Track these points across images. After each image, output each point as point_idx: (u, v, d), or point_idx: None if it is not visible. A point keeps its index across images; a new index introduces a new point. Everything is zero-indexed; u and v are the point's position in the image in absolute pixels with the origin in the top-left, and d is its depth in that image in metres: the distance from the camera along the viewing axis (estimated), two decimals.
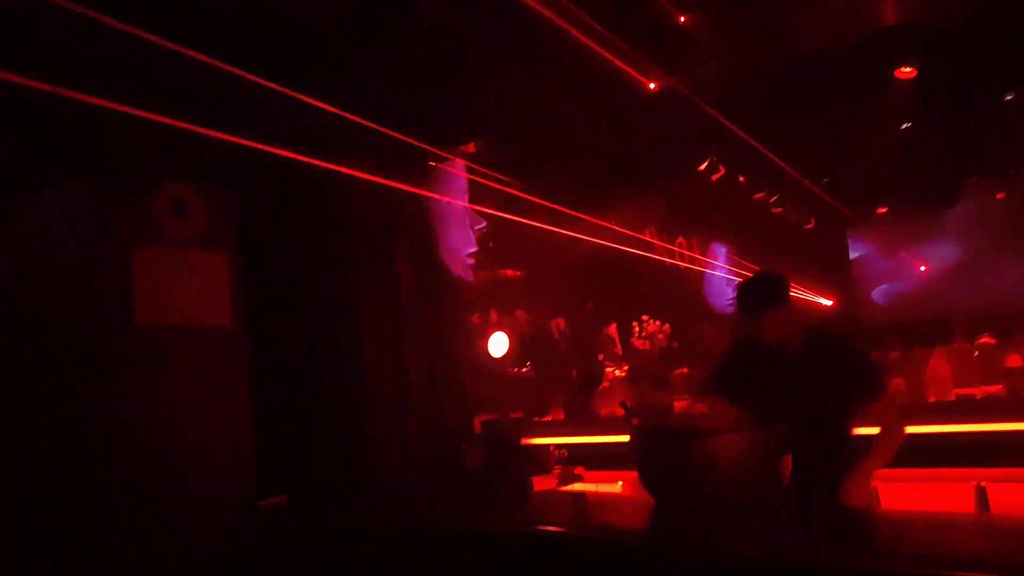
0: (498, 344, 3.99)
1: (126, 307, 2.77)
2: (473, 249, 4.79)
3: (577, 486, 3.46)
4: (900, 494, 3.10)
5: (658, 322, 6.72)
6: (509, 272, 6.07)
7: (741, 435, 2.34)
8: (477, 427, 4.03)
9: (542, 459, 3.43)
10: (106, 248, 2.78)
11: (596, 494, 3.19)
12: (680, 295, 7.93)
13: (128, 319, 2.77)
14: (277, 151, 3.54)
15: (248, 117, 3.44)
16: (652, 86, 3.41)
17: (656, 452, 2.45)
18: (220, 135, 3.36)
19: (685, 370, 4.35)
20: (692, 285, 8.38)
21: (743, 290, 2.78)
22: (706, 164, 6.02)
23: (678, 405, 3.73)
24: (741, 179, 6.56)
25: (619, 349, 6.43)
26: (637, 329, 6.65)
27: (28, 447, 3.03)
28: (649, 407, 3.74)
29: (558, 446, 3.64)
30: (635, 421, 2.60)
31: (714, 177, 6.15)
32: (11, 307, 3.05)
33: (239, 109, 3.36)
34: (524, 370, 4.06)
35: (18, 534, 3.01)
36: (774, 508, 2.28)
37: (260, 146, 3.48)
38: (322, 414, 4.05)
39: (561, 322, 6.98)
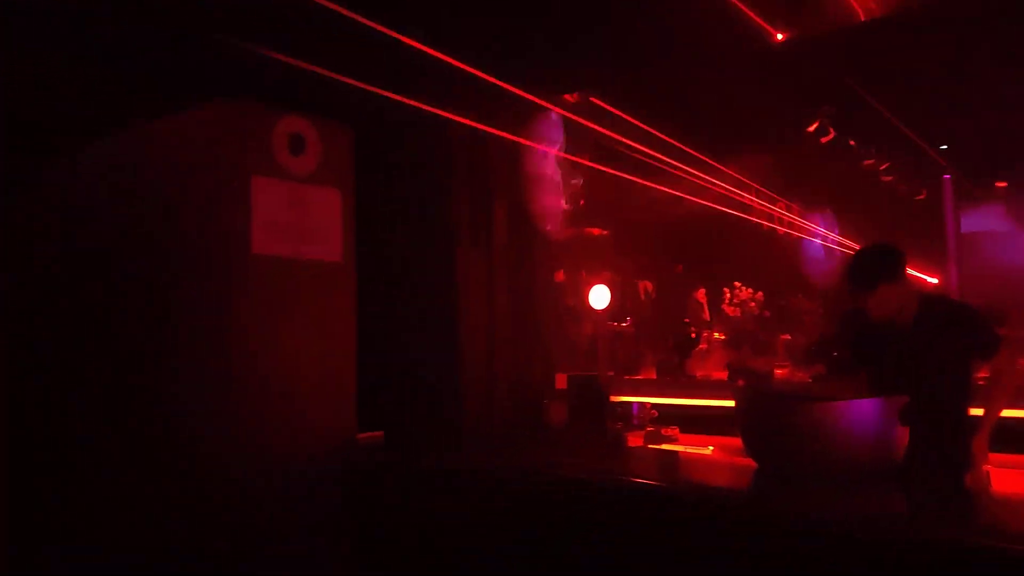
0: (599, 297, 3.96)
1: (245, 237, 2.85)
2: (565, 205, 4.76)
3: (666, 446, 3.43)
4: (1013, 480, 2.98)
5: (750, 289, 6.56)
6: (596, 231, 6.02)
7: (857, 402, 2.27)
8: (560, 383, 4.04)
9: (632, 416, 3.41)
10: (228, 177, 2.85)
11: (688, 454, 3.16)
12: (775, 262, 7.72)
13: (246, 249, 2.86)
14: (387, 93, 3.57)
15: (363, 59, 3.48)
16: (779, 36, 3.25)
17: (764, 414, 2.41)
18: (337, 76, 3.42)
19: (788, 336, 4.24)
20: (788, 253, 8.13)
21: (855, 262, 2.69)
22: (816, 125, 5.78)
23: (778, 372, 3.65)
24: (851, 143, 6.27)
25: (707, 315, 6.33)
26: (728, 295, 6.51)
27: (137, 372, 3.18)
28: (750, 371, 3.67)
29: (650, 405, 3.62)
30: (740, 383, 2.56)
31: (823, 139, 5.90)
32: (136, 230, 3.19)
33: (355, 51, 3.40)
34: (624, 324, 4.03)
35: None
36: (887, 478, 2.22)
37: (373, 88, 3.53)
38: (416, 356, 4.13)
39: (648, 284, 6.90)
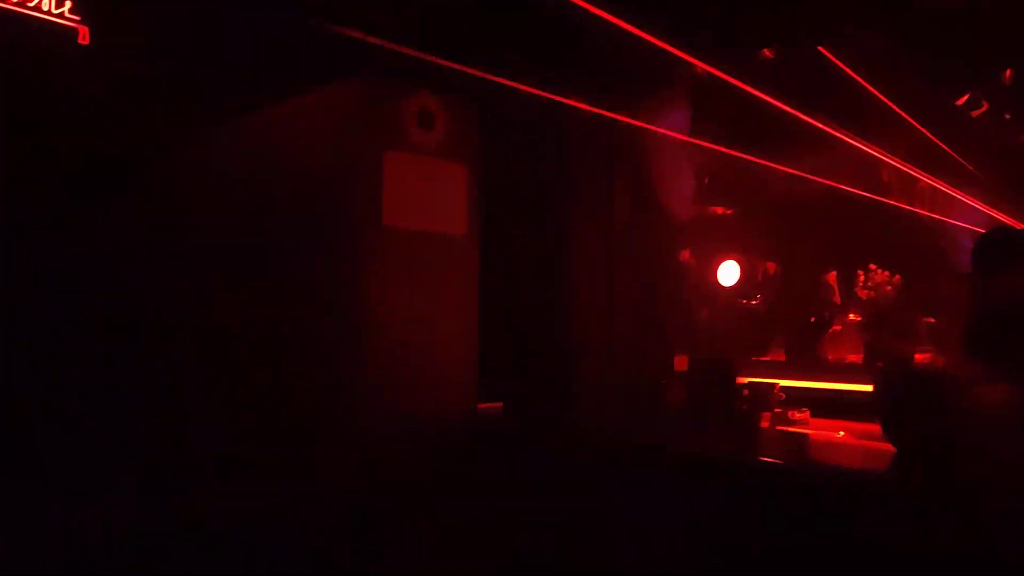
0: (728, 273, 3.86)
1: (376, 209, 2.95)
2: (690, 183, 4.64)
3: (796, 429, 3.31)
4: None
5: (887, 272, 6.20)
6: (720, 210, 5.83)
7: (1010, 388, 2.11)
8: (681, 365, 3.96)
9: (761, 398, 3.31)
10: (363, 152, 2.96)
11: (820, 437, 3.04)
12: (914, 245, 7.25)
13: (377, 220, 2.95)
14: (510, 82, 3.59)
15: (489, 37, 3.51)
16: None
17: (907, 398, 2.28)
18: (464, 55, 3.46)
19: (932, 320, 3.99)
20: (932, 235, 7.62)
21: (982, 244, 2.51)
22: (967, 98, 5.36)
23: (919, 357, 3.44)
24: (1007, 116, 5.79)
25: (837, 298, 6.03)
26: (862, 278, 6.18)
27: (278, 332, 3.35)
28: (889, 355, 3.49)
29: (778, 387, 3.49)
30: (880, 365, 2.43)
31: (975, 113, 5.47)
32: (276, 202, 3.35)
33: (481, 31, 3.44)
34: (754, 303, 3.91)
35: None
36: None
37: (496, 78, 3.55)
38: (534, 330, 4.15)
39: (772, 265, 6.64)
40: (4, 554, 2.82)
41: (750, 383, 3.34)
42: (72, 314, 3.65)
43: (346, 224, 3.00)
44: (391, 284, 3.04)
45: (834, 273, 6.40)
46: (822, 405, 3.52)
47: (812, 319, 4.38)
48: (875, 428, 2.78)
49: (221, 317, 3.67)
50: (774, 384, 3.27)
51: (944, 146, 6.63)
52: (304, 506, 3.07)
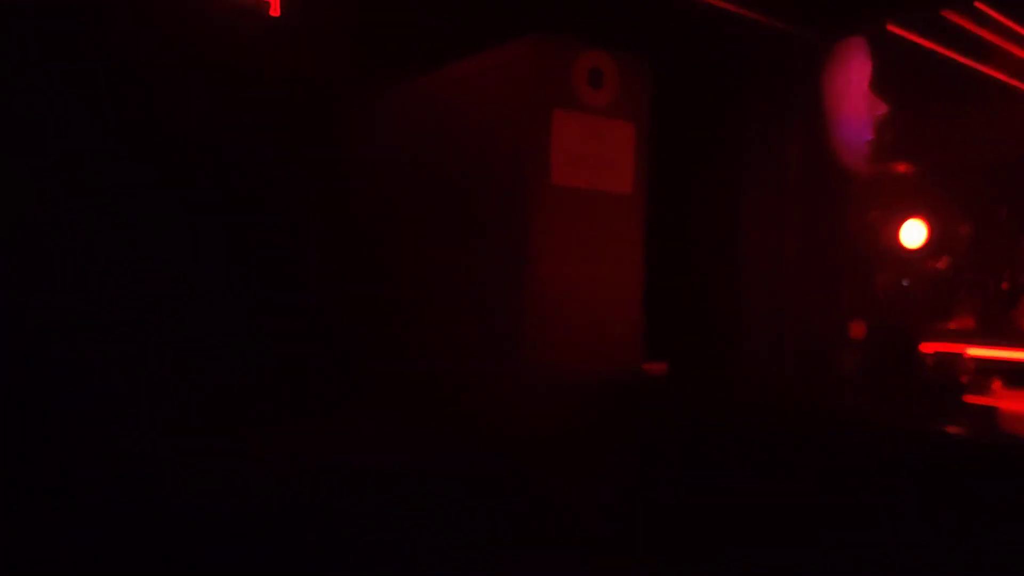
0: (914, 233, 3.62)
1: (544, 167, 3.00)
2: (870, 137, 4.36)
3: (986, 400, 3.09)
4: None
5: None
6: (902, 167, 5.43)
7: None
8: (858, 332, 3.77)
9: (948, 366, 3.10)
10: (533, 110, 3.01)
11: (1014, 408, 2.83)
12: None
13: (547, 179, 3.01)
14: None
15: None
16: None
17: None
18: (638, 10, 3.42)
19: None
20: None
21: None
22: None
23: None
24: None
25: None
26: None
27: (447, 288, 3.50)
28: None
29: (967, 356, 3.26)
30: None
31: None
32: (449, 159, 3.48)
33: None
34: (940, 265, 3.65)
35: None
36: None
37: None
38: (702, 291, 4.10)
39: (963, 228, 6.12)
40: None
41: (935, 351, 3.15)
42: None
43: (515, 183, 3.08)
44: (558, 242, 3.10)
45: None
46: (1016, 376, 3.27)
47: (1005, 285, 4.02)
48: None
49: (395, 274, 3.89)
50: (962, 352, 3.07)
51: None
52: (463, 461, 3.21)
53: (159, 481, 2.96)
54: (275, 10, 3.42)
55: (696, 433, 3.09)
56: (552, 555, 3.00)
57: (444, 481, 3.20)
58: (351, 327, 4.03)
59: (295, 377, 3.72)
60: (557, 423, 3.12)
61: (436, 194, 3.59)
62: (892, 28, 4.42)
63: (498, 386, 3.16)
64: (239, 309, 3.61)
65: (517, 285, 3.07)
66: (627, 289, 3.32)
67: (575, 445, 3.15)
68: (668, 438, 3.21)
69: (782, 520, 2.66)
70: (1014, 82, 4.36)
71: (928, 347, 3.23)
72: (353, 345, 4.05)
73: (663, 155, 3.59)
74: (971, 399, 2.96)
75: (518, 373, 3.08)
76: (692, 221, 4.12)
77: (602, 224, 3.19)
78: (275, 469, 3.16)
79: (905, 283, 3.60)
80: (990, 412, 2.73)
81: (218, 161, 3.54)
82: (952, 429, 2.28)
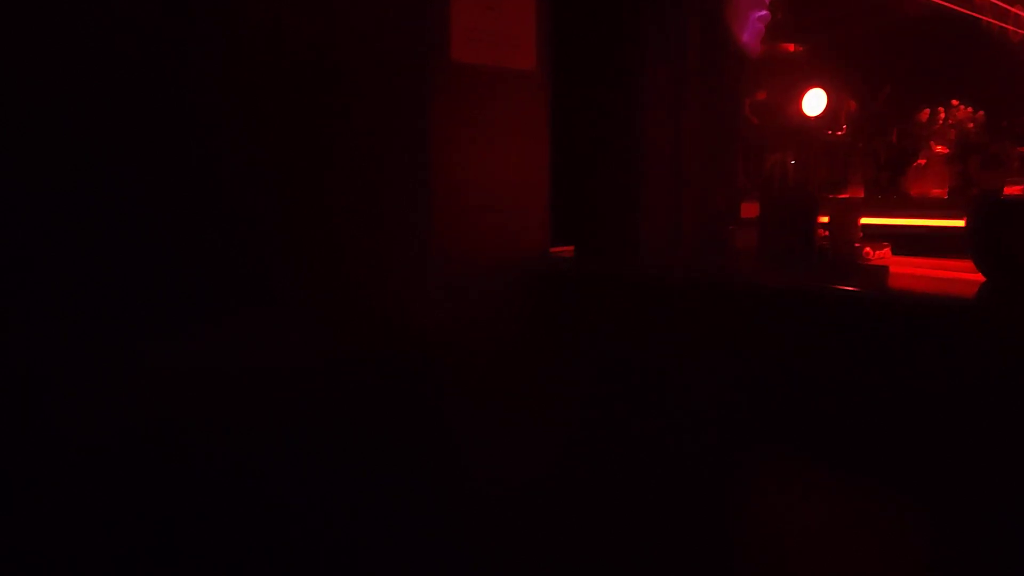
0: (815, 102, 3.67)
1: (444, 43, 2.86)
2: (763, 12, 4.36)
3: (877, 263, 3.24)
4: None
5: (970, 108, 5.84)
6: (791, 47, 5.49)
7: None
8: (749, 212, 3.87)
9: (839, 235, 3.22)
10: None
11: (901, 270, 2.98)
12: (1004, 77, 6.75)
13: (446, 56, 2.87)
14: None
15: None
16: None
17: (997, 226, 2.20)
18: None
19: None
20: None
21: None
22: None
23: (1009, 190, 3.28)
24: None
25: (920, 132, 5.73)
26: (943, 116, 5.84)
27: (339, 173, 3.34)
28: (978, 187, 3.33)
29: (858, 223, 3.39)
30: (975, 191, 2.34)
31: None
32: (337, 37, 3.26)
33: None
34: (840, 133, 3.73)
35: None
36: None
37: None
38: (601, 172, 4.08)
39: (852, 104, 6.30)
40: None
41: (828, 221, 3.26)
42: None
43: (413, 61, 2.93)
44: (460, 124, 2.99)
45: (927, 112, 6.06)
46: (904, 242, 3.43)
47: (895, 152, 4.18)
48: (959, 263, 2.71)
49: (283, 168, 3.68)
50: (853, 220, 3.19)
51: None
52: (371, 358, 3.16)
53: (40, 399, 2.76)
54: None
55: (602, 312, 3.14)
56: (467, 445, 3.03)
57: (352, 380, 3.15)
58: (242, 227, 3.83)
59: (188, 280, 3.54)
60: (466, 312, 3.10)
61: (323, 76, 3.37)
62: None
63: (403, 278, 3.09)
64: (127, 208, 3.34)
65: (419, 172, 2.96)
66: (534, 172, 3.27)
67: (485, 333, 3.15)
68: (577, 320, 3.25)
69: (688, 387, 2.76)
70: None
71: (821, 217, 3.33)
72: (248, 245, 3.86)
73: (563, 32, 3.49)
74: (862, 264, 3.10)
75: (423, 263, 3.02)
76: (591, 102, 4.05)
77: (506, 103, 3.09)
78: (171, 379, 3.01)
79: (800, 157, 3.68)
80: (880, 272, 2.86)
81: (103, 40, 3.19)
82: (845, 288, 2.38)
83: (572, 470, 3.10)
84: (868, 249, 3.19)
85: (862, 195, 3.69)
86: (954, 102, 5.88)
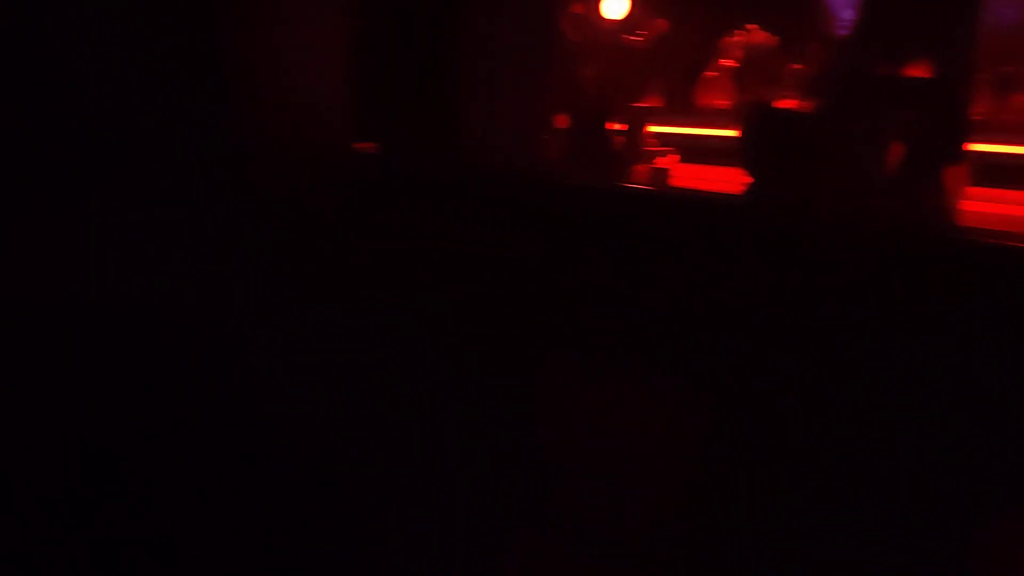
0: (616, 4, 3.75)
1: None
2: None
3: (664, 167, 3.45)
4: None
5: (765, 33, 6.26)
6: None
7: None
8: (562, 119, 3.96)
9: (632, 141, 3.39)
10: None
11: (683, 176, 3.18)
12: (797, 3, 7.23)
13: None
14: None
15: None
16: None
17: (765, 133, 2.39)
18: None
19: (799, 66, 4.09)
20: None
21: None
22: None
23: (782, 102, 3.57)
24: None
25: (714, 49, 6.08)
26: (739, 37, 6.22)
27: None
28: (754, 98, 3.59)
29: (649, 132, 3.58)
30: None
31: None
32: None
33: None
34: (639, 38, 3.85)
35: None
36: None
37: None
38: (410, 70, 3.98)
39: (664, 22, 6.55)
40: None
41: (624, 128, 3.40)
42: None
43: None
44: (255, 25, 2.78)
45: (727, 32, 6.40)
46: (694, 151, 3.66)
47: (687, 64, 4.41)
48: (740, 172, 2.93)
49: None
50: (644, 127, 3.35)
51: None
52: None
53: None
54: None
55: (410, 211, 3.11)
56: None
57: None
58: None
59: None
60: (272, 206, 2.97)
61: None
62: None
63: (205, 174, 2.89)
64: None
65: (217, 71, 2.75)
66: (331, 70, 3.11)
67: (293, 230, 3.04)
68: (386, 215, 3.20)
69: (499, 275, 2.81)
70: None
71: (618, 125, 3.47)
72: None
73: None
74: (650, 167, 3.28)
75: (225, 158, 2.83)
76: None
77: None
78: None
79: (602, 68, 3.78)
80: (663, 174, 3.04)
81: None
82: (631, 186, 2.51)
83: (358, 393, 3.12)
84: (657, 159, 3.39)
85: (661, 104, 3.89)
86: (750, 26, 6.27)
